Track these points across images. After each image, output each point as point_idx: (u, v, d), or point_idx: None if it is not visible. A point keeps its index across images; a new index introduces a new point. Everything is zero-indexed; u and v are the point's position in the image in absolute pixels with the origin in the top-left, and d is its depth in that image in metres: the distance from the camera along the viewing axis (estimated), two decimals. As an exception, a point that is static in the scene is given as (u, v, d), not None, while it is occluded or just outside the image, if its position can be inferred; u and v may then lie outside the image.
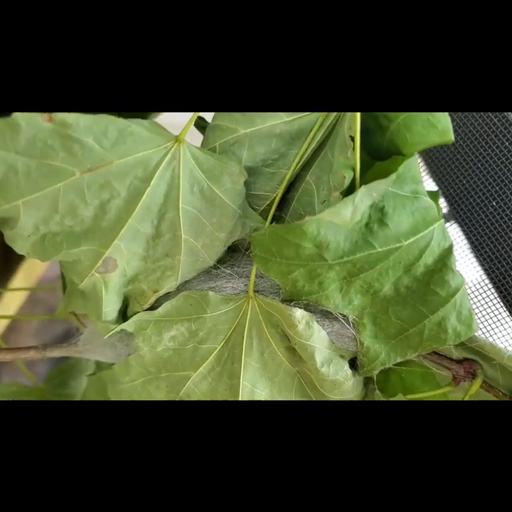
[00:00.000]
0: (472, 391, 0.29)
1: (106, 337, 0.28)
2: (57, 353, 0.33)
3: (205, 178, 0.24)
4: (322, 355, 0.27)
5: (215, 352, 0.28)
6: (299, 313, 0.26)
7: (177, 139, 0.24)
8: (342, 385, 0.28)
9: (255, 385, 0.28)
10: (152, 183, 0.24)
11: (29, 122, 0.21)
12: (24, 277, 0.50)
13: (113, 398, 0.32)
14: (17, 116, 0.21)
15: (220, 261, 0.28)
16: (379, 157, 0.27)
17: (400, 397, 0.31)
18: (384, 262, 0.26)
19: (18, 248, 0.25)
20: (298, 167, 0.27)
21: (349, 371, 0.28)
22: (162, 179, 0.24)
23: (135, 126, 0.23)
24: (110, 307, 0.27)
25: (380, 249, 0.25)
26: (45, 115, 0.21)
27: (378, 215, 0.26)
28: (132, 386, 0.31)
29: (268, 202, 0.27)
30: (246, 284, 0.28)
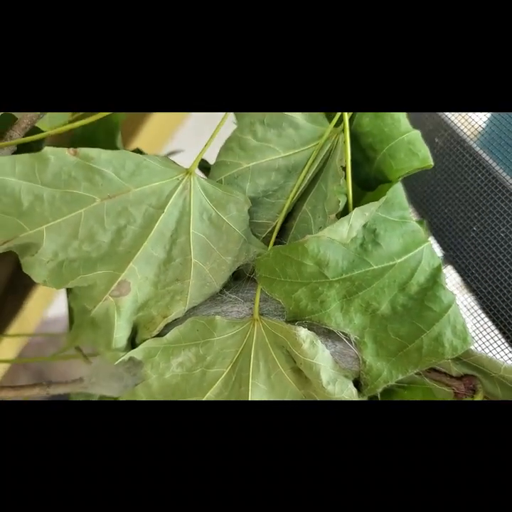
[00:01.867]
0: (473, 406, 0.30)
1: (116, 363, 0.29)
2: (61, 389, 0.34)
3: (213, 207, 0.27)
4: (327, 374, 0.29)
5: (222, 376, 0.29)
6: (303, 333, 0.28)
7: (188, 171, 0.27)
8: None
9: (263, 408, 0.29)
10: (166, 210, 0.26)
11: (57, 156, 0.24)
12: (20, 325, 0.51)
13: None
14: (47, 150, 0.24)
15: (226, 287, 0.30)
16: (368, 187, 0.31)
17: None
18: (380, 279, 0.28)
19: (35, 275, 0.27)
20: (295, 197, 0.30)
21: (354, 390, 0.29)
22: (175, 207, 0.26)
23: (150, 160, 0.26)
24: (121, 333, 0.29)
25: (375, 267, 0.28)
26: (71, 150, 0.24)
27: (371, 236, 0.28)
28: (138, 419, 0.31)
29: (269, 229, 0.30)
30: (251, 308, 0.30)
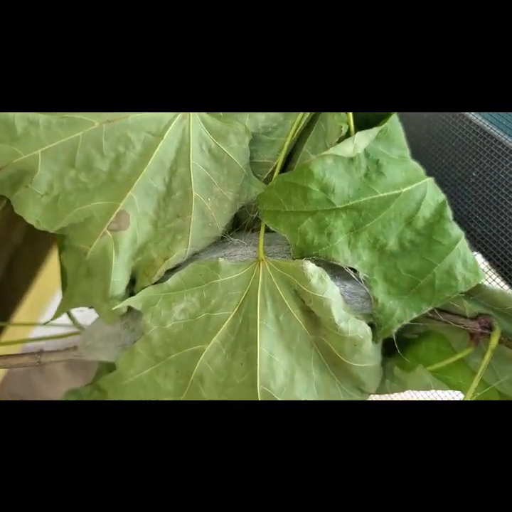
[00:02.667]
0: (493, 344, 0.29)
1: (114, 308, 0.28)
2: (53, 357, 0.32)
3: (213, 138, 0.27)
4: (338, 311, 0.27)
5: (228, 319, 0.28)
6: (311, 267, 0.27)
7: (186, 102, 0.26)
8: (362, 344, 0.28)
9: (273, 352, 0.28)
10: (164, 137, 0.26)
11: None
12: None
13: (118, 399, 0.31)
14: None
15: (228, 232, 0.30)
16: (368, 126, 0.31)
17: (419, 370, 0.31)
18: (386, 210, 0.28)
19: (29, 213, 0.26)
20: (295, 136, 0.29)
21: (367, 328, 0.28)
22: (174, 135, 0.26)
23: (148, 90, 0.26)
24: (119, 277, 0.28)
25: (381, 195, 0.28)
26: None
27: (375, 166, 0.28)
28: (138, 380, 0.30)
29: (269, 170, 0.30)
30: (255, 251, 0.29)
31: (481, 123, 0.34)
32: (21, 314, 0.59)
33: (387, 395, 0.33)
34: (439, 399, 0.35)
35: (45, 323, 0.33)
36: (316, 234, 0.28)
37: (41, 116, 0.24)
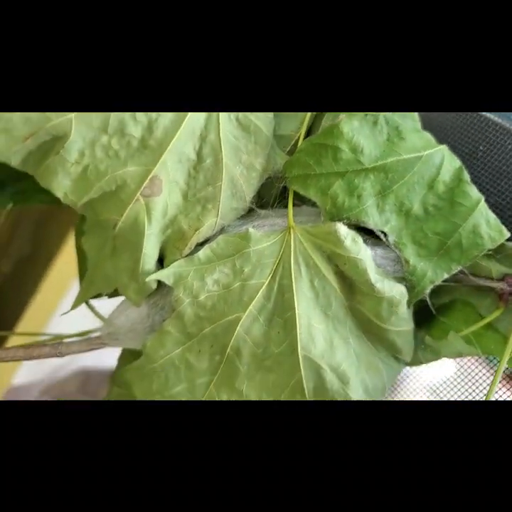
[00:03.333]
0: (523, 301, 0.29)
1: (146, 280, 0.27)
2: (76, 348, 0.30)
3: (240, 107, 0.27)
4: (373, 271, 0.27)
5: (263, 287, 0.28)
6: (343, 229, 0.27)
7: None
8: (399, 305, 0.28)
9: (311, 317, 0.27)
10: (195, 103, 0.26)
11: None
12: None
13: (142, 390, 0.29)
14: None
15: (255, 204, 0.30)
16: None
17: (451, 336, 0.31)
18: (410, 173, 0.29)
19: (56, 185, 0.25)
20: (316, 108, 0.30)
21: (403, 288, 0.28)
22: (203, 102, 0.26)
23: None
24: (150, 250, 0.27)
25: (405, 157, 0.28)
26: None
27: (395, 132, 0.29)
28: (168, 361, 0.28)
29: (292, 142, 0.30)
30: (284, 221, 0.29)
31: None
32: (34, 310, 0.57)
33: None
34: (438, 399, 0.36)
35: (63, 314, 0.32)
36: (347, 196, 0.28)
37: (73, 83, 0.24)
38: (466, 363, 0.38)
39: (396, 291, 0.28)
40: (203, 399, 0.29)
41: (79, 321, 0.36)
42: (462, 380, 0.37)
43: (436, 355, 0.32)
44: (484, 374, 0.36)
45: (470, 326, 0.32)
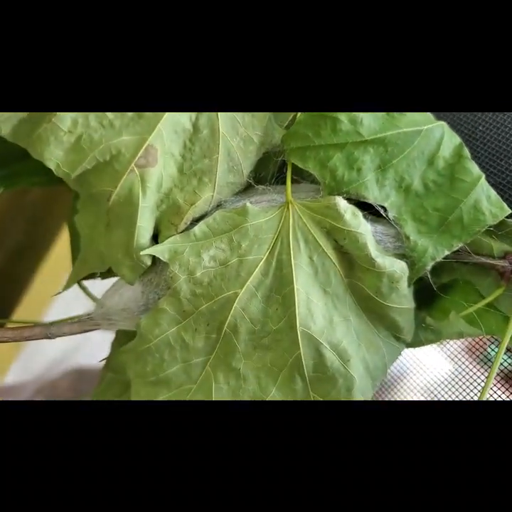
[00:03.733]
0: (525, 278, 0.29)
1: (141, 253, 0.26)
2: (67, 329, 0.30)
3: (237, 78, 0.27)
4: (374, 246, 0.27)
5: (261, 263, 0.27)
6: (343, 203, 0.27)
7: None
8: (400, 280, 0.27)
9: (310, 293, 0.27)
10: (191, 73, 0.25)
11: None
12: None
13: (136, 371, 0.28)
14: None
15: (253, 180, 0.29)
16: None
17: (452, 316, 0.31)
18: (410, 147, 0.28)
19: (49, 155, 0.25)
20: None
21: (404, 264, 0.27)
22: (199, 71, 0.26)
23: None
24: (144, 223, 0.26)
25: (405, 130, 0.28)
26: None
27: (395, 105, 0.29)
28: (162, 341, 0.28)
29: (290, 117, 0.30)
30: (282, 196, 0.29)
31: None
32: (28, 302, 0.56)
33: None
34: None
35: (55, 294, 0.31)
36: (346, 170, 0.27)
37: (66, 49, 0.23)
38: (461, 364, 0.38)
39: (397, 267, 0.27)
40: (199, 379, 0.28)
41: (75, 310, 0.35)
42: (460, 379, 0.37)
43: (437, 336, 0.31)
44: (480, 374, 0.36)
45: (471, 305, 0.31)
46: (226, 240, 0.27)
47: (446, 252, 0.29)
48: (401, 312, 0.28)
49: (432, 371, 0.41)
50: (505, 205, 0.29)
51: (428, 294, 0.32)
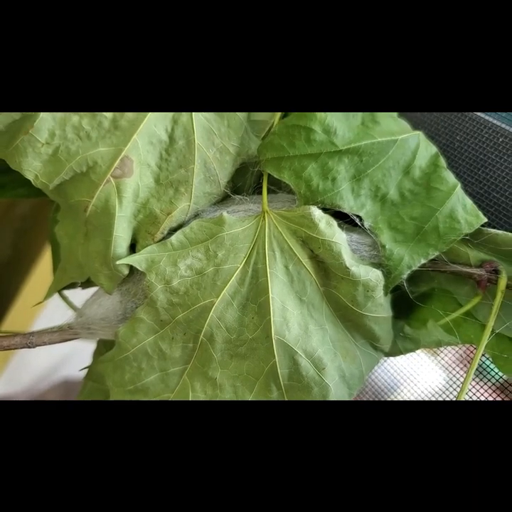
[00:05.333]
0: (502, 286, 0.29)
1: (118, 263, 0.27)
2: (47, 338, 0.30)
3: (213, 91, 0.28)
4: (348, 255, 0.27)
5: (237, 271, 0.27)
6: (317, 212, 0.27)
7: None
8: (375, 289, 0.28)
9: (285, 302, 0.27)
10: (167, 85, 0.26)
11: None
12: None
13: (115, 381, 0.29)
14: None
15: (230, 190, 0.30)
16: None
17: (430, 325, 0.31)
18: (385, 157, 0.29)
19: (27, 166, 0.25)
20: (290, 96, 0.31)
21: (379, 272, 0.28)
22: (175, 84, 0.27)
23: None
24: (121, 232, 0.27)
25: (379, 139, 0.29)
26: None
27: (370, 116, 0.30)
28: (140, 350, 0.28)
29: (267, 128, 0.30)
30: (258, 207, 0.29)
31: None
32: (13, 317, 0.56)
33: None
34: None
35: (35, 304, 0.31)
36: (321, 180, 0.28)
37: (43, 62, 0.24)
38: (456, 373, 0.38)
39: (372, 275, 0.28)
40: (176, 388, 0.28)
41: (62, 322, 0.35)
42: (455, 389, 0.37)
43: (415, 345, 0.32)
44: (474, 384, 0.36)
45: (449, 314, 0.32)
46: (203, 249, 0.28)
47: (423, 261, 0.29)
48: (377, 321, 0.29)
49: (425, 381, 0.41)
50: (480, 213, 0.30)
51: (406, 303, 0.32)
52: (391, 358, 0.43)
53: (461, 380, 0.37)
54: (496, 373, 0.36)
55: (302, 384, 0.27)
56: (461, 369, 0.39)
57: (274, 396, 0.27)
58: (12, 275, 0.57)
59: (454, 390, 0.37)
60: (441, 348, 0.40)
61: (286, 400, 0.27)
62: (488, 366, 0.36)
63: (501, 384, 0.38)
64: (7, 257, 0.56)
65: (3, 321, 0.56)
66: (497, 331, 0.30)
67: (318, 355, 0.27)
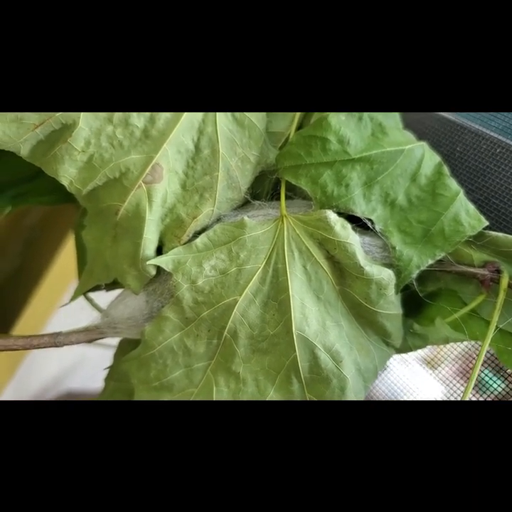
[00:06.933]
0: (504, 285, 0.32)
1: (147, 263, 0.29)
2: (74, 338, 0.32)
3: (235, 103, 0.30)
4: (362, 255, 0.30)
5: (258, 271, 0.30)
6: (333, 215, 0.30)
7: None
8: (387, 287, 0.30)
9: (304, 299, 0.29)
10: (194, 99, 0.29)
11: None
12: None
13: (140, 378, 0.31)
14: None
15: (250, 196, 0.32)
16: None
17: (438, 323, 0.33)
18: (393, 165, 0.32)
19: (63, 172, 0.28)
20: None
21: (391, 272, 0.30)
22: (201, 98, 0.29)
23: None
24: (150, 235, 0.29)
25: (388, 149, 0.31)
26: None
27: (379, 127, 0.32)
28: (166, 347, 0.30)
29: (283, 139, 0.33)
30: (277, 211, 0.32)
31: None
32: (28, 316, 0.57)
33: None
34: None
35: (62, 305, 0.33)
36: (335, 186, 0.31)
37: (81, 77, 0.27)
38: (453, 386, 0.40)
39: (384, 274, 0.30)
40: (201, 383, 0.30)
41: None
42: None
43: (424, 341, 0.34)
44: (473, 398, 0.38)
45: (455, 312, 0.34)
46: (226, 250, 0.30)
47: (430, 261, 0.32)
48: (389, 318, 0.31)
49: (424, 394, 0.43)
50: (482, 217, 0.32)
51: (415, 302, 0.35)
52: (391, 371, 0.45)
53: (459, 392, 0.39)
54: (495, 389, 0.38)
55: (321, 376, 0.29)
56: (459, 382, 0.40)
57: (295, 388, 0.29)
58: (22, 283, 0.59)
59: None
60: (440, 362, 0.42)
61: (306, 392, 0.29)
62: (489, 380, 0.38)
63: (503, 396, 0.40)
64: (17, 266, 0.57)
65: (15, 328, 0.58)
66: (501, 327, 0.32)
67: (336, 349, 0.29)
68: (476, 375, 0.31)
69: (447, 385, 0.41)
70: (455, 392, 0.40)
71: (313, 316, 0.29)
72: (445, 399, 0.40)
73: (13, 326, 0.58)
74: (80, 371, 0.71)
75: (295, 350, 0.29)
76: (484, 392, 0.39)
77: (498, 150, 0.37)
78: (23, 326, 0.58)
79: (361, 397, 0.30)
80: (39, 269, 0.59)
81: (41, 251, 0.59)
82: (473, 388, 0.38)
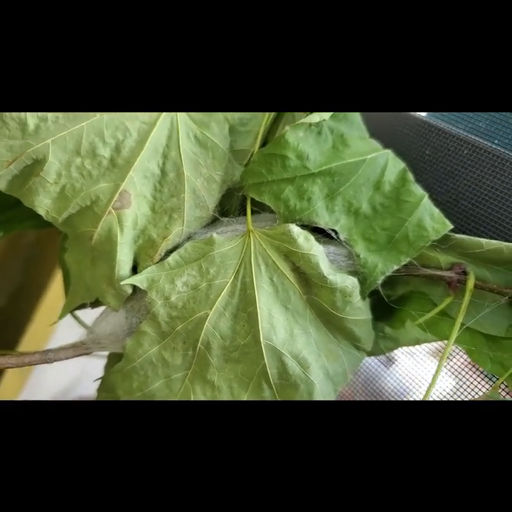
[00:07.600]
0: (470, 285, 0.33)
1: (122, 283, 0.31)
2: (63, 354, 0.34)
3: (197, 127, 0.32)
4: (326, 265, 0.31)
5: (227, 285, 0.31)
6: (296, 229, 0.31)
7: (172, 99, 0.32)
8: (352, 294, 0.31)
9: (271, 310, 0.31)
10: (156, 126, 0.31)
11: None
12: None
13: (124, 389, 0.33)
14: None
15: (218, 213, 0.34)
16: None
17: (408, 325, 0.35)
18: (355, 175, 0.33)
19: (38, 204, 0.30)
20: (267, 125, 0.35)
21: (354, 279, 0.32)
22: (164, 124, 0.31)
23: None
24: (124, 256, 0.31)
25: (349, 160, 0.33)
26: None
27: (340, 139, 0.34)
28: (146, 360, 0.32)
29: (248, 156, 0.35)
30: (244, 227, 0.33)
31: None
32: (31, 332, 0.60)
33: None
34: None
35: (51, 324, 0.36)
36: (297, 200, 0.32)
37: (49, 114, 0.29)
38: (462, 377, 0.41)
39: (348, 282, 0.31)
40: (180, 392, 0.32)
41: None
42: (462, 392, 0.39)
43: (395, 344, 0.35)
44: (484, 389, 0.38)
45: (425, 314, 0.35)
46: (196, 267, 0.32)
47: (395, 267, 0.33)
48: (357, 323, 0.32)
49: (435, 386, 0.44)
50: (447, 221, 0.33)
51: (386, 306, 0.36)
52: (400, 364, 0.45)
53: (469, 383, 0.39)
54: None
55: (290, 382, 0.31)
56: (469, 373, 0.41)
57: (267, 394, 0.31)
58: (24, 301, 0.62)
59: (461, 393, 0.39)
60: (451, 353, 0.42)
61: (278, 397, 0.31)
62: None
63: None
64: (18, 284, 0.60)
65: (19, 344, 0.61)
66: (468, 325, 0.34)
67: (303, 356, 0.31)
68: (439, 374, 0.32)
69: (456, 377, 0.42)
70: (464, 383, 0.40)
71: (281, 326, 0.31)
72: (455, 390, 0.41)
73: (17, 342, 0.61)
74: (86, 380, 0.74)
75: (264, 359, 0.31)
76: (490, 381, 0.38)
77: (465, 151, 0.38)
78: (28, 342, 0.61)
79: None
80: (40, 285, 0.62)
81: (41, 268, 0.62)
82: (484, 378, 0.39)
